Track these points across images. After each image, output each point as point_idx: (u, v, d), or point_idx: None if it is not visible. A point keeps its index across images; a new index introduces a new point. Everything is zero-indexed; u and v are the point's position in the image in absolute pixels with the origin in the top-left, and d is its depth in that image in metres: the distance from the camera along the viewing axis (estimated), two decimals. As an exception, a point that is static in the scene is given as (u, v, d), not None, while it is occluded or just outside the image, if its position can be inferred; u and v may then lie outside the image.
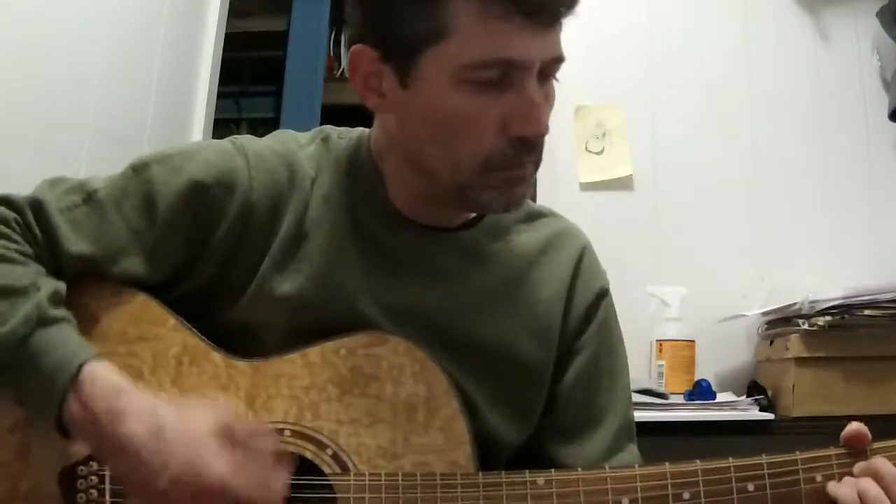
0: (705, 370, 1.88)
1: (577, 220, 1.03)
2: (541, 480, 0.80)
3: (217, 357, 0.85)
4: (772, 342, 1.81)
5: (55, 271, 0.84)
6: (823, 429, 1.59)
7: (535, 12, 0.77)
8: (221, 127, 2.22)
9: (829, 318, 1.63)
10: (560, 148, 2.09)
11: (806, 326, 1.65)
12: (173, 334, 0.85)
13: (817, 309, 1.65)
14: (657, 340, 1.89)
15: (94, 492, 0.80)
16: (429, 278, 0.90)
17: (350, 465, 0.81)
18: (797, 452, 0.79)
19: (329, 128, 0.96)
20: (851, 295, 1.63)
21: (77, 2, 1.59)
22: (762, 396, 1.73)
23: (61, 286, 0.82)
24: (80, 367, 0.75)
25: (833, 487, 0.78)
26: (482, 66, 0.78)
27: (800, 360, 1.67)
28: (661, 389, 1.79)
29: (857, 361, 1.65)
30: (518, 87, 0.79)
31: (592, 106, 2.10)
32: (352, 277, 0.88)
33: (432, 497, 0.79)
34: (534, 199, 1.15)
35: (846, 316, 1.62)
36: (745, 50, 2.10)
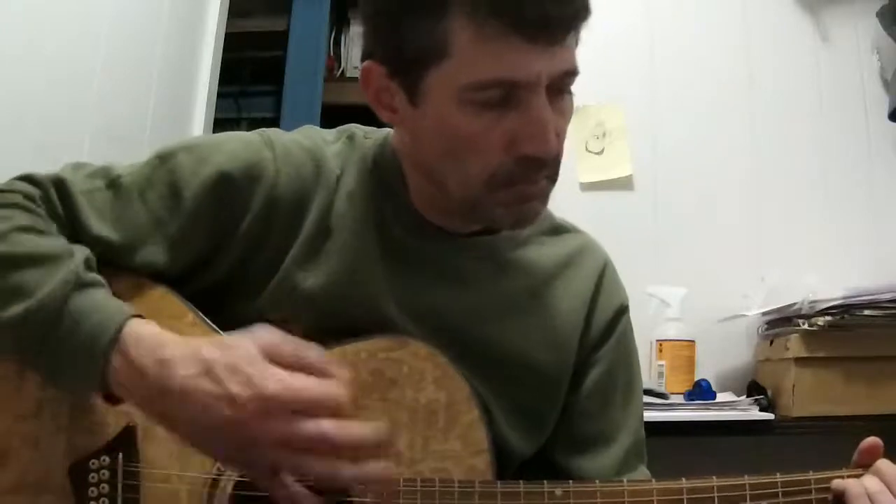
0: (705, 370, 1.88)
1: (577, 220, 1.03)
2: (559, 492, 0.79)
3: (259, 327, 0.83)
4: (772, 342, 1.81)
5: None
6: (823, 429, 1.61)
7: (533, 31, 0.74)
8: (221, 127, 2.21)
9: (829, 318, 1.63)
10: (560, 148, 2.09)
11: (806, 326, 1.66)
12: (192, 329, 0.84)
13: (817, 309, 1.65)
14: (657, 340, 1.89)
15: (105, 486, 0.79)
16: (450, 282, 0.90)
17: None
18: (810, 472, 0.80)
19: (354, 126, 0.95)
20: (851, 295, 1.63)
21: (77, 2, 1.59)
22: (762, 396, 1.74)
23: (92, 255, 0.81)
24: (122, 325, 0.74)
25: (838, 482, 0.79)
26: (483, 87, 0.76)
27: (800, 360, 1.67)
28: (661, 389, 1.79)
29: (857, 361, 1.65)
30: (524, 106, 0.77)
31: (592, 106, 2.10)
32: (374, 277, 0.87)
33: None
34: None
35: (846, 316, 1.62)
36: (745, 50, 2.10)
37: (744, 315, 1.90)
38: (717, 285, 1.96)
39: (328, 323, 0.85)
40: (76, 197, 0.84)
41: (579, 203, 2.02)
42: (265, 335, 0.73)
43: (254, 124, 2.63)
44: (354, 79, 2.62)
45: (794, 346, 1.68)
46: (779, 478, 0.79)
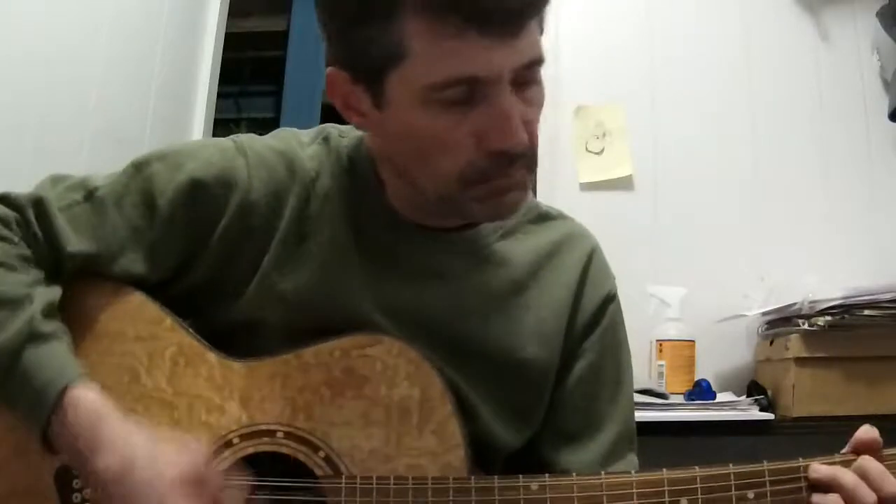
0: (705, 370, 1.88)
1: (576, 220, 1.03)
2: (534, 486, 0.78)
3: (212, 357, 0.85)
4: (772, 342, 1.81)
5: (54, 270, 0.84)
6: (823, 429, 1.61)
7: (489, 25, 0.72)
8: (221, 127, 2.22)
9: (829, 318, 1.63)
10: (560, 148, 2.09)
11: (806, 326, 1.66)
12: (170, 334, 0.85)
13: (817, 309, 1.65)
14: (657, 340, 1.89)
15: (89, 490, 0.80)
16: (430, 279, 0.89)
17: (342, 467, 0.81)
18: (800, 459, 0.76)
19: (331, 126, 0.95)
20: (851, 295, 1.63)
21: (77, 2, 1.60)
22: (762, 396, 1.73)
23: (56, 294, 0.82)
24: (65, 390, 0.75)
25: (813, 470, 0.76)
26: (444, 87, 0.74)
27: (800, 360, 1.67)
28: (661, 389, 1.79)
29: (857, 361, 1.65)
30: (489, 101, 0.75)
31: (592, 106, 2.10)
32: (352, 278, 0.87)
33: (422, 502, 0.78)
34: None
35: (846, 316, 1.62)
36: (745, 50, 2.10)
37: (744, 315, 1.90)
38: (717, 285, 1.96)
39: (306, 324, 0.85)
40: (54, 215, 0.84)
41: (579, 203, 2.02)
42: (199, 458, 0.75)
43: (254, 124, 2.64)
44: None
45: (794, 346, 1.67)
46: (766, 466, 0.76)
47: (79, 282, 0.85)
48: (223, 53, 2.12)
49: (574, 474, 0.80)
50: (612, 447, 0.92)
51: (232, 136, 0.92)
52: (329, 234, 0.88)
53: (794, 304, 1.70)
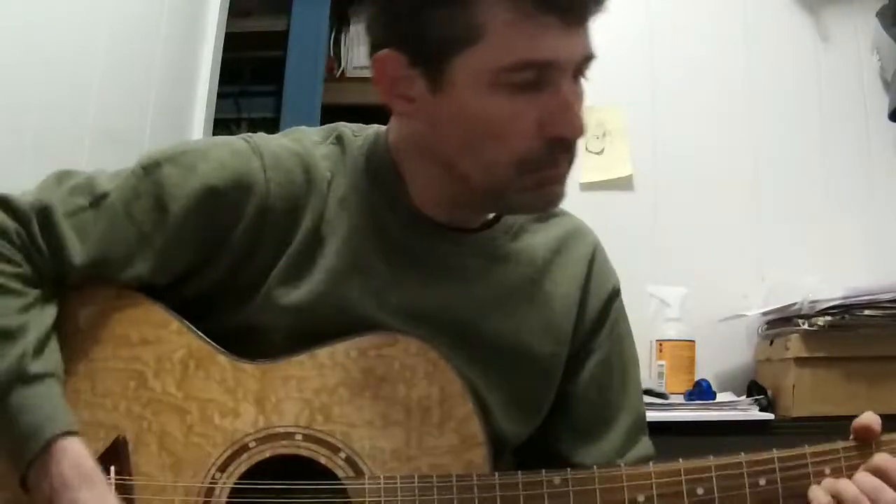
0: (705, 370, 1.88)
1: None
2: (557, 480, 0.80)
3: (223, 360, 0.83)
4: (772, 342, 1.81)
5: (57, 282, 0.83)
6: (823, 429, 1.60)
7: (569, 13, 0.76)
8: (221, 127, 2.22)
9: (829, 318, 1.63)
10: (560, 148, 2.09)
11: (806, 326, 1.66)
12: (178, 337, 0.84)
13: (817, 309, 1.65)
14: (657, 340, 1.89)
15: None
16: (448, 279, 0.89)
17: (365, 468, 0.80)
18: (806, 447, 0.81)
19: (342, 125, 0.94)
20: (851, 295, 1.63)
21: (77, 2, 1.59)
22: (762, 396, 1.74)
23: (51, 318, 0.81)
24: (49, 442, 0.75)
25: (830, 482, 0.78)
26: (518, 69, 0.76)
27: (800, 360, 1.67)
28: (661, 389, 1.79)
29: (857, 361, 1.65)
30: (554, 88, 0.78)
31: (592, 106, 2.08)
32: (369, 281, 0.86)
33: (449, 499, 0.79)
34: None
35: (846, 316, 1.62)
36: (745, 50, 2.10)
37: (744, 315, 1.90)
38: (717, 285, 1.96)
39: (320, 330, 0.84)
40: (59, 224, 0.82)
41: (579, 203, 1.99)
42: None
43: (254, 124, 2.64)
44: (354, 79, 2.63)
45: (794, 346, 1.68)
46: (775, 454, 0.80)
47: (82, 287, 0.84)
48: (223, 53, 2.12)
49: (594, 468, 0.82)
50: (627, 436, 0.94)
51: (243, 136, 0.89)
52: (344, 238, 0.86)
53: (794, 304, 1.70)
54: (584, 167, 2.08)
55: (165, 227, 0.84)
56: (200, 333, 0.84)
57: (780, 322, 1.80)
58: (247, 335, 0.85)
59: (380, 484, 0.79)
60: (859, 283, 1.66)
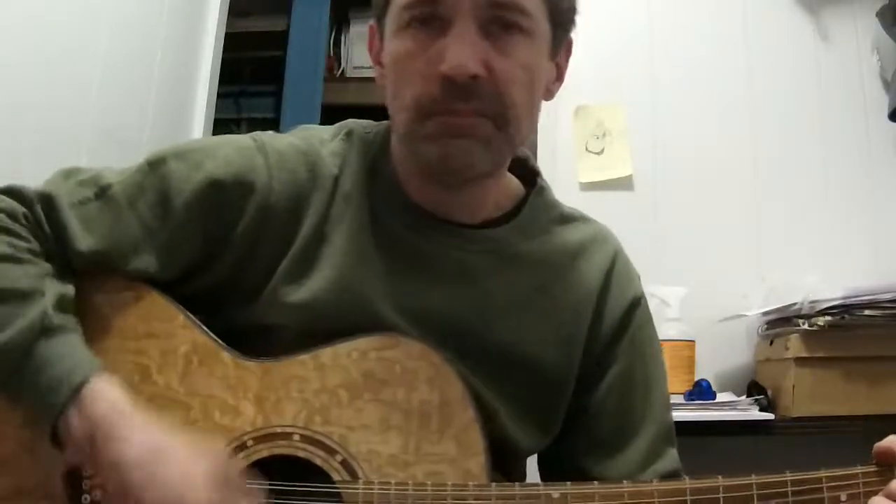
0: (705, 370, 1.88)
1: (599, 221, 1.02)
2: (556, 494, 0.77)
3: (226, 357, 0.83)
4: (772, 342, 1.81)
5: (64, 268, 0.83)
6: (823, 429, 1.60)
7: None
8: (221, 127, 2.22)
9: (829, 318, 1.63)
10: (560, 148, 2.09)
11: (806, 326, 1.65)
12: (183, 332, 0.84)
13: (817, 309, 1.65)
14: (657, 340, 1.89)
15: (98, 492, 0.79)
16: (452, 279, 0.87)
17: (360, 472, 0.79)
18: (822, 470, 0.76)
19: (353, 122, 0.94)
20: (851, 295, 1.62)
21: (77, 2, 1.59)
22: (762, 396, 1.73)
23: (69, 289, 0.81)
24: (81, 384, 0.74)
25: None
26: (411, 6, 0.80)
27: (800, 360, 1.66)
28: (661, 389, 1.79)
29: (857, 361, 1.65)
30: (450, 29, 0.79)
31: (592, 106, 2.10)
32: (371, 280, 0.85)
33: None
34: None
35: (846, 316, 1.62)
36: (745, 50, 2.10)
37: (744, 315, 1.90)
38: (717, 285, 1.96)
39: (324, 328, 0.83)
40: (64, 211, 0.83)
41: (579, 203, 2.00)
42: (220, 454, 0.75)
43: (254, 124, 2.64)
44: (354, 79, 2.63)
45: (794, 346, 1.67)
46: (788, 476, 0.75)
47: (89, 277, 0.84)
48: (223, 53, 2.12)
49: (595, 483, 0.79)
50: (651, 449, 0.91)
51: (252, 134, 0.90)
52: (348, 235, 0.86)
53: (794, 304, 1.70)
54: (584, 167, 2.08)
55: (169, 221, 0.84)
56: (206, 329, 0.84)
57: (780, 322, 1.80)
58: (259, 333, 0.85)
59: (373, 489, 0.78)
60: (859, 283, 1.66)
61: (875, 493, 0.74)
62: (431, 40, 0.79)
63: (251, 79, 2.70)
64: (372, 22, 0.88)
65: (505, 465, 0.86)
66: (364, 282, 0.85)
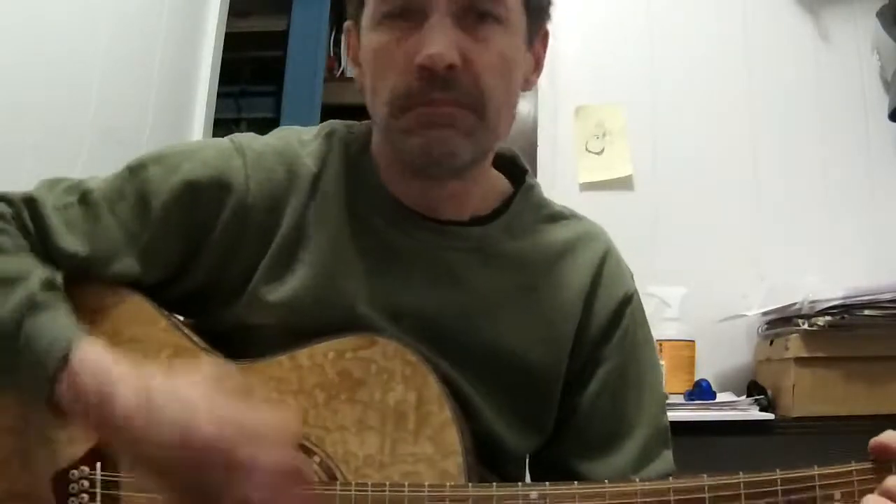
0: (705, 370, 1.88)
1: (590, 219, 1.02)
2: (534, 494, 0.75)
3: (206, 359, 0.83)
4: (772, 342, 1.81)
5: (51, 264, 0.83)
6: (823, 429, 1.60)
7: None
8: (221, 127, 2.22)
9: (829, 318, 1.63)
10: (560, 148, 2.09)
11: (806, 326, 1.65)
12: (165, 336, 0.84)
13: (817, 309, 1.65)
14: (657, 340, 1.87)
15: (85, 496, 0.79)
16: (436, 277, 0.87)
17: (338, 474, 0.79)
18: (815, 468, 0.72)
19: (336, 122, 0.94)
20: (851, 295, 1.62)
21: (77, 2, 1.59)
22: (762, 396, 1.73)
23: (56, 275, 0.81)
24: (68, 350, 0.74)
25: None
26: (385, 1, 0.80)
27: (800, 360, 1.66)
28: (661, 389, 1.79)
29: (857, 361, 1.65)
30: (425, 21, 0.79)
31: (592, 106, 2.10)
32: (352, 278, 0.85)
33: None
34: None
35: (846, 316, 1.62)
36: (744, 50, 2.11)
37: (744, 315, 1.90)
38: (717, 285, 1.96)
39: (305, 328, 0.83)
40: (47, 214, 0.84)
41: (579, 203, 2.00)
42: (210, 369, 0.73)
43: (254, 124, 2.64)
44: (354, 79, 2.64)
45: (794, 346, 1.67)
46: (778, 475, 0.72)
47: (73, 283, 0.84)
48: (223, 53, 2.12)
49: (575, 483, 0.76)
50: (644, 450, 0.89)
51: (231, 136, 0.90)
52: (328, 234, 0.86)
53: (794, 304, 1.70)
54: (584, 167, 2.08)
55: (149, 223, 0.85)
56: (188, 332, 0.84)
57: (780, 322, 1.80)
58: (243, 334, 0.85)
59: (350, 491, 0.77)
60: (859, 283, 1.66)
61: (871, 490, 0.70)
62: (407, 33, 0.79)
63: (251, 79, 2.71)
64: (348, 23, 0.89)
65: (492, 464, 0.85)
66: (345, 280, 0.85)
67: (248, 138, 0.90)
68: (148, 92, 1.84)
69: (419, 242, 0.87)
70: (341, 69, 2.67)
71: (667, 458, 0.90)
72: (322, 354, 0.82)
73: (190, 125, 2.03)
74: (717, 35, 2.12)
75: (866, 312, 1.62)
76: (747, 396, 1.75)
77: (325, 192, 0.87)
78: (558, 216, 0.96)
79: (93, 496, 0.79)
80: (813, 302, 1.66)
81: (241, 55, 2.49)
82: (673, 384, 1.82)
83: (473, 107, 0.80)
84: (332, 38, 2.66)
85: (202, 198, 0.84)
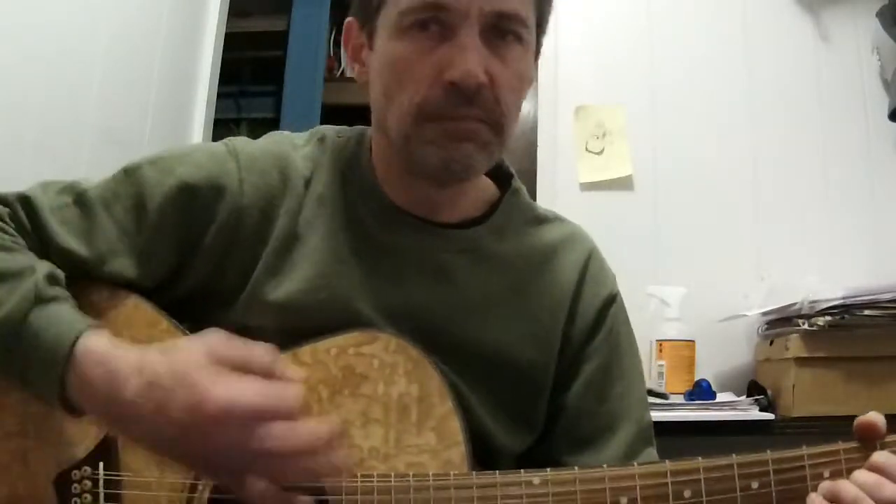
0: (705, 370, 1.88)
1: (577, 220, 1.02)
2: (536, 480, 0.77)
3: (207, 333, 0.82)
4: (772, 342, 1.82)
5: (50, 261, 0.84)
6: (823, 429, 1.61)
7: None
8: (221, 127, 2.22)
9: (829, 318, 1.63)
10: (560, 148, 2.09)
11: (806, 326, 1.66)
12: (166, 336, 0.84)
13: (817, 309, 1.65)
14: (657, 340, 1.89)
15: (88, 496, 0.79)
16: (428, 277, 0.89)
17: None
18: (804, 447, 0.76)
19: (326, 127, 0.95)
20: (851, 295, 1.63)
21: (77, 2, 1.60)
22: (762, 396, 1.74)
23: (58, 271, 0.81)
24: (75, 340, 0.74)
25: (828, 485, 0.74)
26: (413, 11, 0.80)
27: (800, 360, 1.67)
28: (662, 389, 1.80)
29: (857, 361, 1.65)
30: (454, 37, 0.79)
31: (592, 106, 2.10)
32: (347, 279, 0.86)
33: (425, 498, 0.77)
34: (533, 198, 1.15)
35: (846, 316, 1.62)
36: (744, 50, 2.11)
37: (744, 315, 1.90)
38: (717, 285, 1.96)
39: (302, 329, 0.84)
40: (43, 213, 0.84)
41: (579, 203, 2.02)
42: (213, 339, 0.73)
43: (254, 124, 2.64)
44: (354, 79, 2.64)
45: (794, 346, 1.68)
46: (769, 455, 0.76)
47: (73, 285, 0.84)
48: (223, 53, 2.13)
49: (576, 468, 0.79)
50: (628, 446, 0.92)
51: (225, 140, 0.91)
52: (323, 236, 0.87)
53: (794, 304, 1.70)
54: (584, 167, 2.08)
55: (144, 225, 0.85)
56: (188, 333, 0.84)
57: (780, 322, 1.80)
58: (241, 335, 0.85)
59: (356, 483, 0.78)
60: (859, 283, 1.66)
61: (856, 469, 0.74)
62: (433, 46, 0.80)
63: (251, 79, 2.71)
64: (350, 19, 0.88)
65: (489, 463, 0.86)
66: (340, 280, 0.86)
67: (241, 142, 0.91)
68: (148, 92, 1.84)
69: (412, 243, 0.89)
70: (341, 69, 2.67)
71: (651, 456, 0.93)
72: (324, 351, 0.83)
73: (190, 125, 2.03)
74: (717, 35, 2.12)
75: (866, 312, 1.62)
76: (747, 396, 1.75)
77: (317, 194, 0.89)
78: (543, 219, 0.98)
79: (95, 496, 0.79)
80: (813, 302, 1.66)
81: (241, 55, 2.49)
82: (673, 384, 1.83)
83: (492, 123, 0.82)
84: (332, 38, 2.66)
85: (197, 200, 0.85)
